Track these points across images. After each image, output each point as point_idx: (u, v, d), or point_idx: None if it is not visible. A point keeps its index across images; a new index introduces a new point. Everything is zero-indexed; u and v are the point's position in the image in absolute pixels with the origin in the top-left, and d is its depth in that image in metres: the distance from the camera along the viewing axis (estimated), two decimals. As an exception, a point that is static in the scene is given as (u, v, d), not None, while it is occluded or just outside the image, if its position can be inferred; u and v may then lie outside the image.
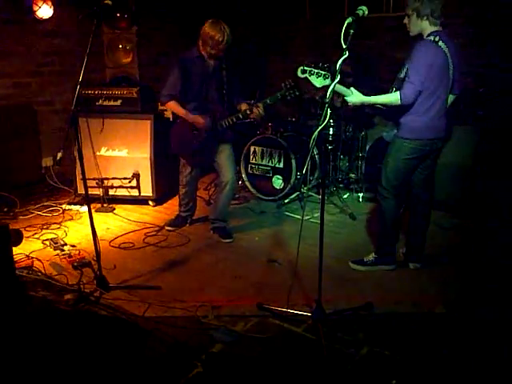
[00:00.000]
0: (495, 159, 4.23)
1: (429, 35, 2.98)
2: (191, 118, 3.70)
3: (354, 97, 3.01)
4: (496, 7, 4.82)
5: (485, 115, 4.35)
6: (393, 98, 2.95)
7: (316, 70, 2.84)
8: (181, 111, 3.73)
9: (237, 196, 5.02)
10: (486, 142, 4.27)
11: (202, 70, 3.67)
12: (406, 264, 3.46)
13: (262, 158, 4.95)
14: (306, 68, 2.85)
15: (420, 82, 2.90)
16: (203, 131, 3.71)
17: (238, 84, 3.85)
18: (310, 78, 2.89)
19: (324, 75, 2.85)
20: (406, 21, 3.04)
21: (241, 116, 3.66)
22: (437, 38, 2.94)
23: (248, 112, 3.64)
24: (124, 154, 4.66)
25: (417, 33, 3.04)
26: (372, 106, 3.17)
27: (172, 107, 3.77)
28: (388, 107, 3.04)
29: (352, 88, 3.00)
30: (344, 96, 3.03)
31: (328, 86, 2.78)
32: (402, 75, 3.00)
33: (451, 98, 3.22)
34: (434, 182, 3.41)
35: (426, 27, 2.99)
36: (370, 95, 3.02)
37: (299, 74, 2.88)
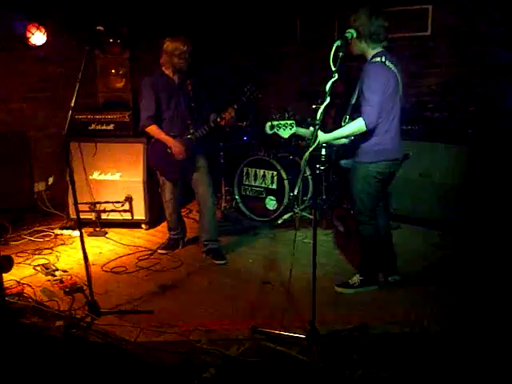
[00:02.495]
0: (486, 178, 4.25)
1: (374, 56, 3.00)
2: (171, 143, 3.74)
3: (318, 137, 2.98)
4: (482, 26, 4.92)
5: (475, 134, 4.39)
6: (356, 126, 2.93)
7: (283, 123, 2.91)
8: (162, 136, 3.77)
9: (230, 217, 5.02)
10: (477, 161, 4.30)
11: (168, 86, 3.78)
12: (395, 282, 3.45)
13: (255, 180, 4.96)
14: (273, 124, 2.93)
15: (379, 103, 2.91)
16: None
17: (204, 98, 3.93)
18: (278, 132, 2.96)
19: (290, 125, 2.92)
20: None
21: (212, 124, 3.73)
22: (383, 59, 2.98)
23: (218, 119, 3.71)
24: (117, 177, 4.66)
25: (358, 53, 3.07)
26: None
27: (153, 132, 3.79)
28: (353, 136, 3.04)
29: (311, 128, 3.00)
30: (306, 138, 3.06)
31: (294, 134, 2.92)
32: (353, 101, 3.04)
33: None
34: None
35: (366, 48, 3.02)
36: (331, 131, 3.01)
37: (268, 130, 2.96)
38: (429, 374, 2.49)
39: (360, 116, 2.93)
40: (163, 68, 3.79)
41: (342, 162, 4.09)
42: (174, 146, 3.74)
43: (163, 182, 4.00)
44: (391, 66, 3.00)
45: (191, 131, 3.77)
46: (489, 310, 3.07)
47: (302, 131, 3.04)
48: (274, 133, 2.97)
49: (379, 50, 3.03)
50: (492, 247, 3.99)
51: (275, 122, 2.90)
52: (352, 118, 3.05)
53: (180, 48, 3.66)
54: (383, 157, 3.09)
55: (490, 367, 2.51)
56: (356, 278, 3.40)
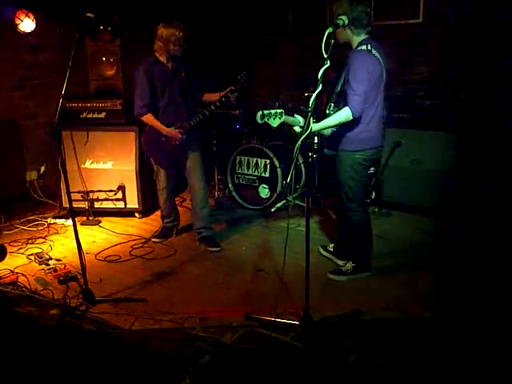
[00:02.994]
0: (477, 164, 4.29)
1: (360, 44, 3.00)
2: (167, 131, 3.73)
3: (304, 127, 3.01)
4: (474, 14, 4.93)
5: (466, 121, 4.42)
6: (343, 115, 2.94)
7: (273, 112, 2.91)
8: (157, 125, 3.74)
9: (223, 206, 5.03)
10: (468, 148, 4.33)
11: (163, 74, 3.74)
12: (387, 269, 3.50)
13: (248, 168, 4.97)
14: (264, 113, 2.93)
15: (364, 92, 2.93)
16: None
17: (197, 82, 3.90)
18: (268, 121, 2.96)
19: (280, 114, 2.92)
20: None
21: (218, 103, 3.70)
22: (369, 47, 2.98)
23: (223, 99, 3.68)
24: (109, 166, 4.65)
25: (343, 41, 3.07)
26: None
27: (148, 120, 3.76)
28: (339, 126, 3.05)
29: (301, 119, 3.01)
30: (293, 126, 3.04)
31: (283, 123, 2.92)
32: (338, 88, 3.05)
33: None
34: None
35: (350, 35, 3.03)
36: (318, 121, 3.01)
37: (258, 120, 2.96)
38: (420, 358, 2.53)
39: (346, 105, 2.95)
40: (157, 54, 3.74)
41: (326, 149, 4.11)
42: (170, 133, 3.73)
43: (157, 170, 3.99)
44: (376, 54, 3.01)
45: (186, 119, 3.75)
46: (479, 296, 3.12)
47: (290, 119, 3.04)
48: (265, 122, 2.98)
49: (364, 37, 3.03)
50: (482, 233, 4.04)
51: (266, 112, 2.91)
52: (337, 106, 3.08)
53: (175, 34, 3.61)
54: (369, 145, 3.12)
55: (480, 352, 2.56)
56: (349, 265, 3.43)
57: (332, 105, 3.12)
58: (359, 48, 3.00)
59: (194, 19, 5.67)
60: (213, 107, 3.72)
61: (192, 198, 4.02)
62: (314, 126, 2.96)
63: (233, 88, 3.67)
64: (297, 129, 3.01)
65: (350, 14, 2.92)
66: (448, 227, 4.26)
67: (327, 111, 3.12)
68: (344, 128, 3.10)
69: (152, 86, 3.71)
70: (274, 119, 2.93)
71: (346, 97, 2.99)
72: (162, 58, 3.74)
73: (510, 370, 2.42)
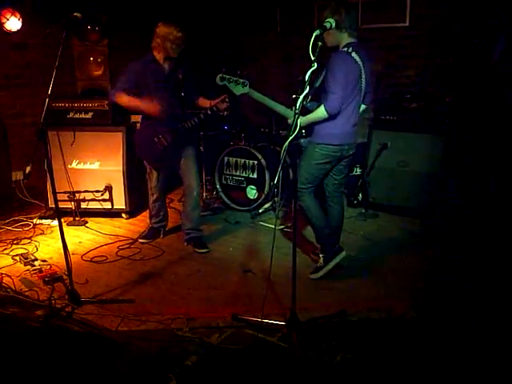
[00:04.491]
0: (462, 166, 4.35)
1: (344, 47, 3.09)
2: (144, 106, 3.64)
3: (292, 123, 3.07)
4: (461, 18, 4.99)
5: (451, 124, 4.47)
6: (319, 113, 3.03)
7: (235, 78, 2.91)
8: (132, 100, 3.64)
9: (211, 207, 5.03)
10: (453, 150, 4.39)
11: (158, 73, 3.70)
12: (373, 270, 3.53)
13: (236, 169, 4.97)
14: (224, 76, 2.92)
15: (342, 91, 2.99)
16: (167, 136, 3.71)
17: (194, 83, 3.87)
18: (229, 85, 2.99)
19: (243, 83, 2.92)
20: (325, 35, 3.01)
21: (209, 112, 3.68)
22: (350, 49, 3.06)
23: (215, 109, 3.66)
24: (96, 166, 4.62)
25: (335, 44, 3.12)
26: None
27: (123, 100, 3.65)
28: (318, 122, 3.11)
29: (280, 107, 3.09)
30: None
31: (246, 94, 2.98)
32: (317, 84, 3.09)
33: (363, 107, 3.36)
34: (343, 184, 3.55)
35: (344, 39, 3.09)
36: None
37: (218, 81, 2.96)
38: (405, 358, 2.56)
39: (322, 103, 3.02)
40: (154, 52, 3.69)
41: (302, 141, 4.13)
42: (148, 107, 3.63)
43: (150, 170, 3.98)
44: (356, 56, 3.07)
45: (180, 121, 3.72)
46: (465, 296, 3.16)
47: (256, 95, 3.05)
48: (225, 85, 2.98)
49: (350, 40, 3.10)
50: (468, 234, 4.09)
51: (226, 76, 2.91)
52: (313, 100, 3.14)
53: (174, 33, 3.58)
54: (331, 141, 3.18)
55: (465, 352, 2.60)
56: (321, 259, 3.46)
57: (308, 100, 3.16)
58: (341, 49, 3.08)
59: (184, 20, 5.67)
60: (209, 111, 3.68)
61: (185, 198, 4.01)
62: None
63: (226, 99, 3.62)
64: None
65: (338, 18, 2.96)
66: (433, 228, 4.30)
67: (304, 102, 3.15)
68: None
69: (145, 86, 3.66)
70: (236, 86, 2.94)
71: (324, 94, 3.05)
72: (159, 57, 3.69)
73: (494, 368, 2.45)
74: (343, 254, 3.47)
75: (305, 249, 3.85)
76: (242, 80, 2.95)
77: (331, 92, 2.99)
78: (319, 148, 3.20)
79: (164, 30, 3.60)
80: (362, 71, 3.12)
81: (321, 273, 3.43)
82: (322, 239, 3.47)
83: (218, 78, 2.96)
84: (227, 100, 3.63)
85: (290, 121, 3.11)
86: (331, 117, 3.05)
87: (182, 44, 3.66)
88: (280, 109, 3.20)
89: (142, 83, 3.67)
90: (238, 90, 2.98)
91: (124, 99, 3.66)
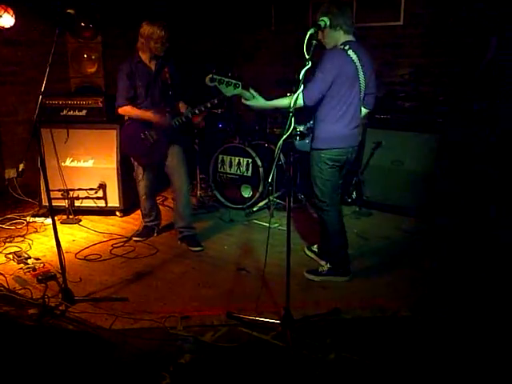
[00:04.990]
0: (455, 165, 4.37)
1: (341, 45, 3.05)
2: (152, 117, 3.68)
3: (256, 100, 3.02)
4: (455, 18, 5.01)
5: (444, 123, 4.49)
6: (295, 97, 2.83)
7: (226, 80, 2.87)
8: (138, 112, 3.71)
9: (206, 205, 5.03)
10: (447, 149, 4.41)
11: (145, 74, 3.71)
12: (367, 268, 3.53)
13: (230, 167, 4.97)
14: (215, 77, 2.88)
15: (323, 82, 2.95)
16: (153, 133, 3.71)
17: (180, 84, 3.86)
18: (219, 86, 2.92)
19: (234, 84, 2.89)
20: (320, 36, 2.98)
21: (190, 115, 3.70)
22: (346, 47, 3.02)
23: (190, 116, 3.70)
24: (90, 164, 4.60)
25: (333, 44, 3.08)
26: (276, 110, 3.21)
27: (128, 111, 3.73)
28: (296, 111, 2.90)
29: (255, 93, 3.03)
30: (245, 99, 3.04)
31: (238, 95, 2.93)
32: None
33: (364, 111, 3.31)
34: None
35: (340, 37, 3.06)
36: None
37: (208, 82, 2.91)
38: (398, 356, 2.57)
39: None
40: (140, 52, 3.71)
41: (297, 143, 4.11)
42: (155, 117, 3.67)
43: (137, 167, 3.97)
44: (352, 54, 3.02)
45: (169, 119, 3.71)
46: (458, 295, 3.18)
47: (248, 95, 3.02)
48: (215, 86, 2.94)
49: (347, 38, 3.07)
50: (461, 233, 4.12)
51: (217, 76, 2.86)
52: None
53: (157, 33, 3.58)
54: (335, 144, 3.13)
55: (457, 350, 2.62)
56: (325, 266, 3.44)
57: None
58: (337, 47, 3.05)
59: (178, 18, 5.66)
60: (197, 111, 3.69)
61: (174, 196, 4.01)
62: (264, 102, 3.02)
63: (207, 104, 3.64)
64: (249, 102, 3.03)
65: (331, 16, 2.96)
66: (427, 227, 4.32)
67: (288, 94, 3.14)
68: (315, 126, 3.17)
69: (134, 87, 3.69)
70: (227, 87, 2.88)
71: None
72: (145, 57, 3.71)
73: (488, 366, 2.47)
74: (346, 278, 3.40)
75: (299, 247, 3.86)
76: (234, 81, 2.90)
77: (311, 81, 2.94)
78: (324, 153, 3.14)
79: (147, 30, 3.59)
80: (360, 70, 3.06)
81: (318, 278, 3.41)
82: (336, 257, 3.41)
83: (207, 79, 2.90)
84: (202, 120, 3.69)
85: (286, 102, 3.03)
86: (308, 107, 2.97)
87: (166, 42, 3.65)
88: (274, 103, 3.10)
89: (132, 84, 3.68)
90: (230, 91, 2.93)
91: (130, 111, 3.73)
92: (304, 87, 2.89)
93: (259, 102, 3.03)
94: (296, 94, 2.61)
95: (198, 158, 5.13)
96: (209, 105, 3.66)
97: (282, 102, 3.05)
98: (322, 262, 3.53)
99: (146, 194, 4.05)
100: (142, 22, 3.65)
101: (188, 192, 3.98)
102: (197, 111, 3.71)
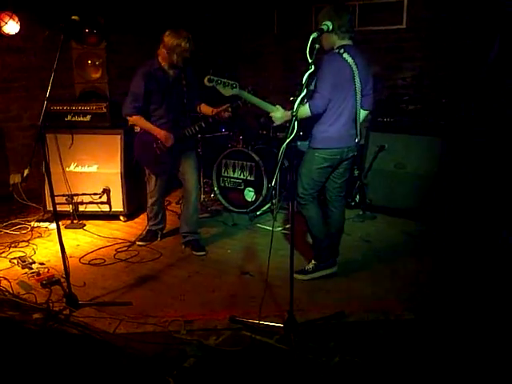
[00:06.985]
0: (458, 167, 4.37)
1: (336, 48, 3.10)
2: (157, 132, 3.69)
3: (279, 113, 3.12)
4: (458, 20, 5.02)
5: (447, 126, 4.49)
6: (304, 110, 3.01)
7: (224, 80, 2.91)
8: (147, 125, 3.71)
9: (209, 209, 5.04)
10: (450, 152, 4.40)
11: (163, 81, 3.68)
12: (370, 272, 3.52)
13: (234, 171, 4.98)
14: (212, 78, 2.93)
15: (327, 91, 3.01)
16: (164, 145, 3.72)
17: (197, 89, 3.83)
18: (217, 87, 2.99)
19: (232, 85, 2.93)
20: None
21: (210, 120, 3.68)
22: (341, 51, 3.06)
23: (216, 117, 3.67)
24: (94, 169, 4.62)
25: (330, 47, 3.14)
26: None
27: (137, 121, 3.74)
28: (305, 119, 3.09)
29: (278, 105, 3.13)
30: (269, 112, 3.13)
31: (237, 96, 3.02)
32: (312, 87, 3.12)
33: (364, 113, 3.33)
34: (345, 188, 3.51)
35: (335, 41, 3.11)
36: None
37: (206, 82, 2.95)
38: (402, 359, 2.56)
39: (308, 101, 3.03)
40: (159, 58, 3.64)
41: (299, 143, 4.15)
42: (160, 134, 3.68)
43: (149, 174, 3.98)
44: (348, 58, 3.06)
45: (182, 128, 3.71)
46: (462, 298, 3.17)
47: (246, 95, 3.05)
48: (213, 86, 3.00)
49: (346, 42, 3.11)
50: (465, 236, 4.10)
51: (214, 77, 2.91)
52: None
53: (181, 45, 3.48)
54: (330, 144, 3.18)
55: (461, 353, 2.60)
56: (311, 264, 3.47)
57: (305, 100, 3.18)
58: (333, 51, 3.09)
59: (184, 23, 5.69)
60: (210, 119, 3.68)
61: (185, 202, 4.01)
62: (286, 113, 3.09)
63: (228, 109, 3.59)
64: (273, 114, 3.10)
65: (335, 20, 2.98)
66: (431, 230, 4.31)
67: (291, 98, 3.16)
68: (312, 126, 3.21)
69: (150, 93, 3.65)
70: (225, 87, 2.94)
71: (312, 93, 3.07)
72: (164, 64, 3.65)
73: (490, 368, 2.46)
74: (333, 269, 3.47)
75: (302, 251, 3.86)
76: (231, 82, 2.96)
77: (316, 91, 3.01)
78: (319, 153, 3.20)
79: (171, 42, 3.49)
80: (356, 73, 3.09)
81: (306, 277, 3.44)
82: (319, 250, 3.46)
83: (205, 80, 2.97)
84: (230, 110, 3.60)
85: (273, 114, 3.13)
86: (315, 116, 3.06)
87: (189, 55, 3.58)
88: (267, 107, 3.17)
89: (149, 91, 3.65)
90: (227, 92, 3.00)
91: (138, 121, 3.74)
92: (309, 98, 2.99)
93: (281, 113, 3.12)
94: (299, 99, 2.62)
95: (201, 163, 5.14)
96: (198, 127, 3.68)
97: (301, 112, 3.03)
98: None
99: (155, 198, 4.06)
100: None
101: (197, 199, 3.98)
102: (187, 132, 3.70)
